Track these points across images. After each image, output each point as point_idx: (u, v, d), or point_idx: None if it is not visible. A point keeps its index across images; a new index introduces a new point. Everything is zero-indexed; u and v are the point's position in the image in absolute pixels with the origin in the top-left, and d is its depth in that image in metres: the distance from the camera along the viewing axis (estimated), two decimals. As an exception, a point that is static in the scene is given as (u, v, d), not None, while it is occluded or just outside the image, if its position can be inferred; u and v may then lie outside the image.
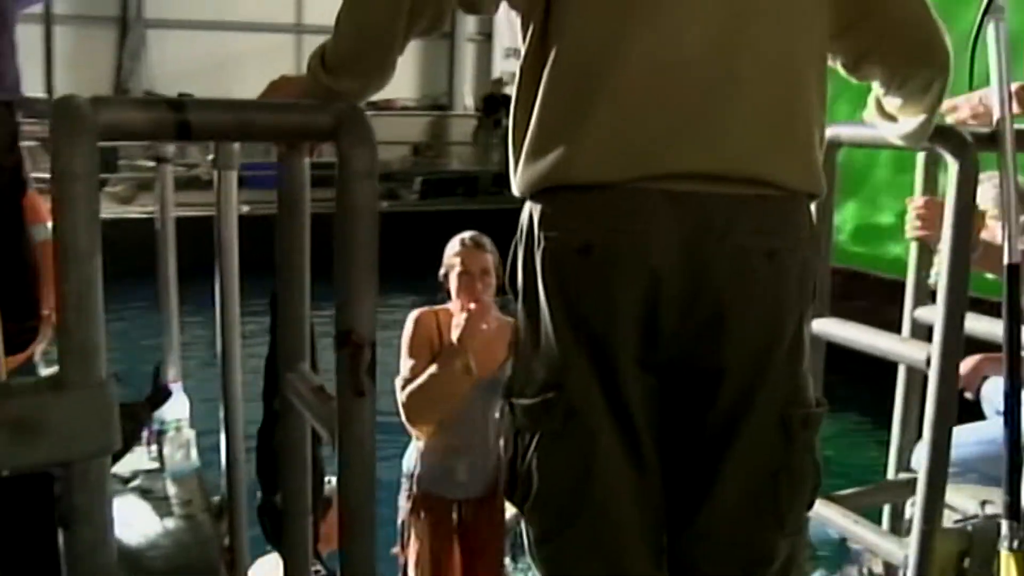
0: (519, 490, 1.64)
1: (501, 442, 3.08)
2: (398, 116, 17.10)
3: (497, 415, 3.14)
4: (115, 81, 16.01)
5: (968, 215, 2.02)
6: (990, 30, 1.97)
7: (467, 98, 18.55)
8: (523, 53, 1.59)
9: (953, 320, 2.03)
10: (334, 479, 1.39)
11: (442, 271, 3.45)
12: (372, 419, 1.32)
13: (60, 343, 1.17)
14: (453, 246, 3.44)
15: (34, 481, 1.22)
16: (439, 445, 3.35)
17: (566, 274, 1.53)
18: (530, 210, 1.59)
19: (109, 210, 12.18)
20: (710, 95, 1.49)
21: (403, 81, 18.04)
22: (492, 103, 17.05)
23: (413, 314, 3.44)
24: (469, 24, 18.42)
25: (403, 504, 3.45)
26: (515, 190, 1.62)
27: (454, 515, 3.39)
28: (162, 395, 1.78)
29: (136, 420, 1.41)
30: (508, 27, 18.79)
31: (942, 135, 1.94)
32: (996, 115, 1.99)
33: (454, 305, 3.40)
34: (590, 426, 1.56)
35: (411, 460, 3.44)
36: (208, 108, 1.30)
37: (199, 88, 15.86)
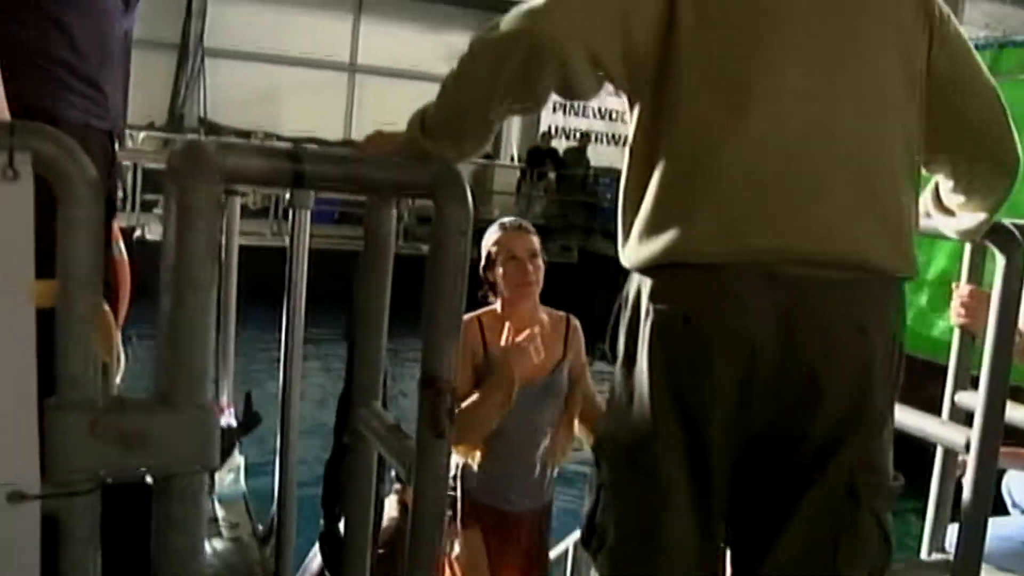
0: (595, 541, 1.74)
1: (546, 442, 3.10)
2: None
3: (549, 417, 3.16)
4: (171, 106, 16.37)
5: (1013, 307, 2.09)
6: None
7: (513, 148, 18.77)
8: (632, 133, 1.69)
9: (993, 407, 2.09)
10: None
11: (483, 263, 3.20)
12: (448, 458, 1.42)
13: (171, 365, 1.27)
14: (493, 232, 3.20)
15: (134, 490, 1.31)
16: (488, 458, 3.15)
17: (670, 343, 1.61)
18: (639, 283, 1.67)
19: (157, 232, 12.41)
20: (811, 180, 1.58)
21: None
22: (537, 156, 17.28)
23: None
24: (519, 75, 18.71)
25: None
26: (624, 262, 1.70)
27: (505, 525, 3.21)
28: (254, 421, 1.85)
29: (229, 442, 1.48)
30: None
31: (992, 230, 2.02)
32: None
33: (499, 302, 3.21)
34: (669, 491, 1.63)
35: (452, 469, 3.20)
36: (322, 161, 1.41)
37: (252, 117, 16.23)
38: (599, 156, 18.14)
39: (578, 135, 18.40)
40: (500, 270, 3.15)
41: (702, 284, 1.58)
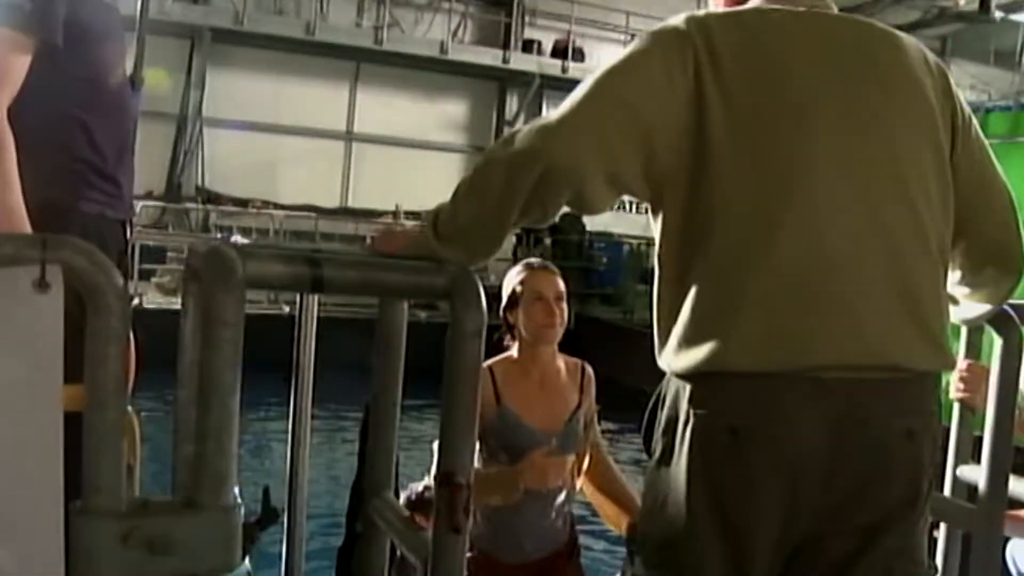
0: None
1: (562, 497, 3.02)
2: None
3: (566, 471, 3.00)
4: (169, 175, 16.51)
5: (1012, 386, 2.13)
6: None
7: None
8: (660, 239, 1.70)
9: (996, 482, 2.12)
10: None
11: (504, 303, 3.06)
12: (464, 553, 1.44)
13: (196, 467, 1.30)
14: (518, 272, 3.08)
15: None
16: (500, 509, 2.99)
17: (712, 453, 1.61)
18: (678, 386, 1.67)
19: (154, 301, 12.47)
20: (850, 288, 1.59)
21: (445, 193, 18.37)
22: (532, 221, 17.42)
23: None
24: (515, 142, 18.92)
25: None
26: (663, 366, 1.69)
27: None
28: (272, 516, 1.83)
29: (249, 539, 1.47)
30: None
31: (990, 312, 2.07)
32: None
33: (516, 346, 3.09)
34: None
35: None
36: (340, 266, 1.44)
37: (250, 186, 16.38)
38: (594, 221, 18.24)
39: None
40: (524, 310, 3.03)
41: (747, 393, 1.58)
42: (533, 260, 3.19)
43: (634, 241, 18.67)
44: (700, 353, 1.59)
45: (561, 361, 3.13)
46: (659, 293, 1.70)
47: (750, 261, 1.59)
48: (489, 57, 17.55)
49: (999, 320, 2.08)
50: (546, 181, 1.58)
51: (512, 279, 3.07)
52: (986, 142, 1.85)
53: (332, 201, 17.40)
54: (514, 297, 3.04)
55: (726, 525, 1.60)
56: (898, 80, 1.72)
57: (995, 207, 1.84)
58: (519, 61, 17.78)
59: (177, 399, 1.49)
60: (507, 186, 1.60)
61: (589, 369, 3.21)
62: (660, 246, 1.71)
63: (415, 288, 1.55)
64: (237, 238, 3.46)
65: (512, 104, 18.73)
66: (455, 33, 17.76)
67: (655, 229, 1.72)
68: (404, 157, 17.69)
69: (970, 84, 19.20)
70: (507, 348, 3.12)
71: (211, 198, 16.24)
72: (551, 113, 1.63)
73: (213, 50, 16.12)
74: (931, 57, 1.81)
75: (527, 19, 18.76)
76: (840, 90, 1.66)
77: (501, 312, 3.05)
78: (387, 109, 17.46)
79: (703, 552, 1.62)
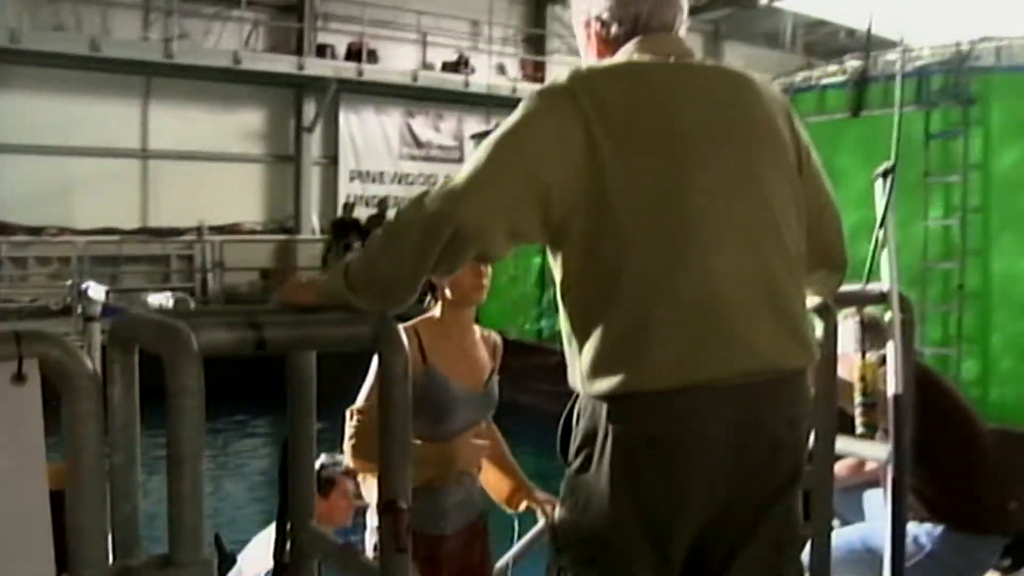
0: None
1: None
2: (245, 242, 17.26)
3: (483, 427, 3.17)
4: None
5: (831, 361, 2.43)
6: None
7: (314, 221, 18.78)
8: (563, 276, 1.91)
9: (824, 445, 2.43)
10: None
11: None
12: (409, 567, 1.61)
13: (172, 527, 1.43)
14: None
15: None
16: (420, 480, 2.92)
17: (634, 460, 1.83)
18: (594, 404, 1.87)
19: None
20: (738, 311, 1.85)
21: (249, 205, 18.21)
22: (342, 228, 17.35)
23: None
24: (314, 147, 18.79)
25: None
26: (577, 388, 1.91)
27: (442, 549, 3.11)
28: (229, 563, 1.89)
29: None
30: (352, 151, 19.27)
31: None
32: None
33: (438, 307, 3.14)
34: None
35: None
36: (280, 327, 1.60)
37: (44, 213, 15.61)
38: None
39: (377, 201, 18.59)
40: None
41: (660, 407, 1.82)
42: None
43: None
44: (616, 378, 1.82)
45: (476, 335, 3.24)
46: (570, 325, 1.92)
47: (655, 297, 1.82)
48: (284, 64, 17.30)
49: (820, 309, 2.41)
50: (455, 241, 1.78)
51: None
52: (817, 157, 2.13)
53: (132, 222, 16.78)
54: None
55: (650, 519, 1.85)
56: (759, 122, 1.98)
57: (827, 217, 2.14)
58: (314, 67, 17.60)
59: (112, 465, 1.60)
60: (419, 246, 1.79)
61: (497, 337, 3.35)
62: (564, 284, 1.92)
63: (345, 339, 1.70)
64: (91, 285, 3.45)
65: (310, 110, 18.53)
66: (247, 42, 17.43)
67: (554, 267, 1.94)
68: (204, 171, 17.25)
69: (743, 64, 20.35)
70: (430, 310, 3.19)
71: (4, 229, 15.38)
72: (456, 176, 1.83)
73: (-10, 71, 15.30)
74: (776, 92, 2.09)
75: (319, 24, 18.61)
76: (717, 136, 1.91)
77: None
78: (182, 123, 16.93)
79: (629, 543, 1.86)
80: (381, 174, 19.73)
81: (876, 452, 2.83)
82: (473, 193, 1.80)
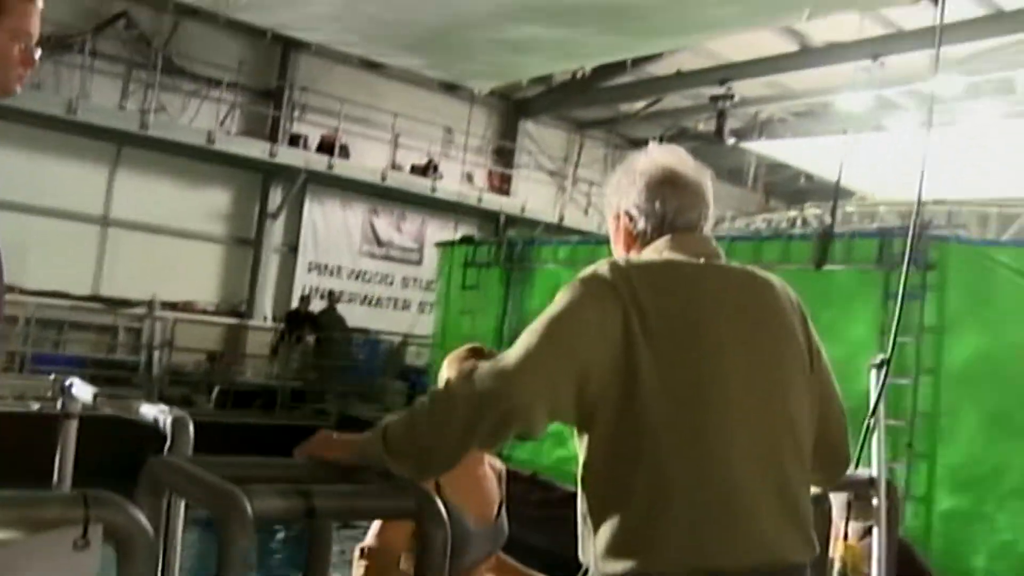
0: None
1: None
2: (196, 322, 17.03)
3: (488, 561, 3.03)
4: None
5: (823, 540, 2.46)
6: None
7: (267, 309, 18.65)
8: (587, 456, 1.97)
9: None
10: None
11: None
12: None
13: None
14: (462, 358, 3.06)
15: None
16: None
17: None
18: None
19: None
20: (752, 506, 1.92)
21: (204, 284, 18.06)
22: (296, 320, 17.25)
23: None
24: (276, 234, 18.78)
25: None
26: (590, 565, 1.96)
27: None
28: None
29: None
30: (313, 242, 19.28)
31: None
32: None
33: None
34: None
35: None
36: (328, 496, 1.59)
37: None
38: (353, 315, 18.31)
39: (328, 293, 18.45)
40: None
41: None
42: (481, 348, 3.18)
43: (392, 338, 18.88)
44: (629, 561, 1.88)
45: (488, 470, 3.18)
46: (587, 505, 1.97)
47: (675, 486, 1.89)
48: (257, 150, 17.37)
49: (817, 498, 2.45)
50: (507, 418, 1.84)
51: (456, 363, 3.06)
52: (830, 370, 2.22)
53: (83, 288, 16.54)
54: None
55: None
56: (778, 323, 2.10)
57: (834, 417, 2.21)
58: (286, 155, 17.71)
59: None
60: (469, 420, 1.84)
61: (501, 465, 3.29)
62: (586, 465, 1.98)
63: (389, 510, 1.70)
64: (76, 382, 3.37)
65: (276, 196, 18.56)
66: (222, 122, 17.52)
67: (580, 448, 1.99)
68: (163, 245, 17.14)
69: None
70: None
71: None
72: (507, 356, 1.89)
73: (-41, 124, 15.13)
74: (792, 294, 2.19)
75: (295, 113, 18.79)
76: (742, 336, 2.02)
77: None
78: (147, 195, 16.86)
79: None
80: (339, 268, 19.73)
81: (857, 638, 2.86)
82: (527, 374, 1.86)
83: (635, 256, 2.15)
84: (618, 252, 2.23)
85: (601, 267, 2.02)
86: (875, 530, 2.76)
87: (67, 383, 3.39)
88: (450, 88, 20.16)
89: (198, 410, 13.61)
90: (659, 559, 1.88)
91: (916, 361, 8.96)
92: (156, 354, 15.75)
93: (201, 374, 16.01)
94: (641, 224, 2.17)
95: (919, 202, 3.16)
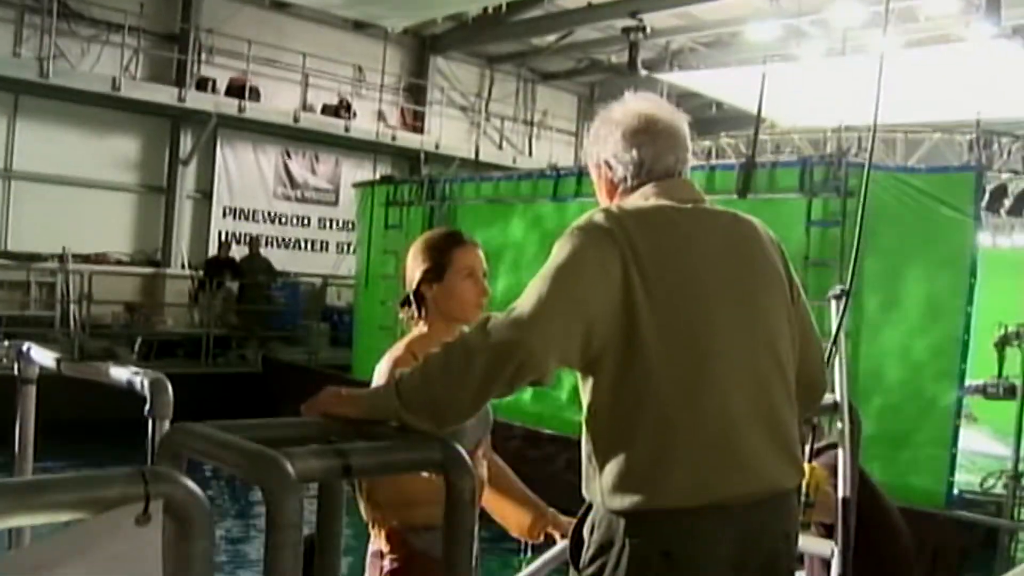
0: None
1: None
2: (113, 273, 16.64)
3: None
4: None
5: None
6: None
7: (184, 255, 18.29)
8: (591, 398, 2.06)
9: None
10: None
11: (420, 276, 2.91)
12: None
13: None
14: (438, 245, 2.95)
15: None
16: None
17: (648, 573, 1.99)
18: (610, 518, 2.03)
19: None
20: (747, 438, 2.06)
21: (116, 235, 17.62)
22: (216, 266, 16.98)
23: (390, 357, 2.86)
24: (188, 181, 18.37)
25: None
26: (595, 501, 2.07)
27: None
28: None
29: None
30: (227, 187, 18.91)
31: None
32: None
33: (426, 324, 2.94)
34: None
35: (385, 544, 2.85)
36: (363, 454, 1.63)
37: None
38: (271, 259, 18.08)
39: (248, 239, 18.21)
40: (451, 287, 2.90)
41: (675, 524, 2.00)
42: (458, 232, 3.07)
43: (312, 280, 18.74)
44: (637, 496, 2.00)
45: None
46: (592, 445, 2.08)
47: (677, 426, 2.01)
48: (164, 95, 16.84)
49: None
50: (523, 367, 1.90)
51: (430, 251, 2.95)
52: (808, 305, 2.34)
53: (-11, 244, 16.04)
54: (437, 271, 2.91)
55: None
56: (764, 262, 2.22)
57: (812, 348, 2.34)
58: (195, 100, 17.20)
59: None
60: (486, 371, 1.89)
61: None
62: (591, 408, 2.07)
63: (417, 463, 1.75)
64: (32, 346, 3.31)
65: (186, 142, 18.07)
66: (127, 68, 16.96)
67: (584, 391, 2.09)
68: (71, 196, 16.60)
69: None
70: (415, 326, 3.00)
71: None
72: (519, 306, 1.95)
73: None
74: (772, 233, 2.30)
75: (202, 56, 18.27)
76: (730, 276, 2.13)
77: (414, 285, 2.93)
78: (52, 145, 16.25)
79: None
80: (254, 212, 19.41)
81: (821, 548, 3.03)
82: (543, 323, 1.93)
83: (625, 203, 2.21)
84: (603, 201, 2.31)
85: (596, 215, 2.10)
86: (840, 451, 2.90)
87: (24, 348, 3.33)
88: (360, 26, 19.82)
89: (122, 363, 13.34)
90: (664, 494, 1.99)
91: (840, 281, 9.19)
92: (73, 308, 15.38)
93: (121, 326, 15.72)
94: (620, 172, 2.25)
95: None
